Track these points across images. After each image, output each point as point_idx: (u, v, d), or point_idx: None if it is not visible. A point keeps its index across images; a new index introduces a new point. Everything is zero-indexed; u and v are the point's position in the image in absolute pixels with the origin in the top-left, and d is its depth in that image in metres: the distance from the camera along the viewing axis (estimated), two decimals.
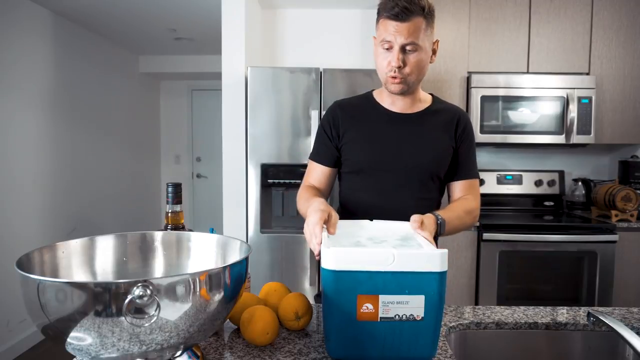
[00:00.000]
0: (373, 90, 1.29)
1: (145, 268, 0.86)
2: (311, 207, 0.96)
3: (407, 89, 1.15)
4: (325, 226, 0.91)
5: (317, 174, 1.28)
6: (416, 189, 1.19)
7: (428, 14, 1.10)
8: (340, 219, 1.13)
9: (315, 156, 1.29)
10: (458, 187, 1.24)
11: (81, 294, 0.56)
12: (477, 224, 2.48)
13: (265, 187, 2.51)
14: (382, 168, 1.19)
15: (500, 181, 2.97)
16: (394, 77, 1.11)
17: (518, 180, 2.97)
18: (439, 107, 1.24)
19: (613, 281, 2.44)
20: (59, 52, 3.25)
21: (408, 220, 0.99)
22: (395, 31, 1.07)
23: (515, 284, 2.49)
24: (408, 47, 1.09)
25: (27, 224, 2.94)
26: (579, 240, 2.42)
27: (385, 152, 1.19)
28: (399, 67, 1.09)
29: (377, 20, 1.13)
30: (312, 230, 0.89)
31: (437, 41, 1.18)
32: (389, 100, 1.22)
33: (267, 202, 2.55)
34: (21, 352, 2.83)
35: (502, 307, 1.07)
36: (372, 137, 1.21)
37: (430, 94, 1.28)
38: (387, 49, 1.10)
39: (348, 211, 1.25)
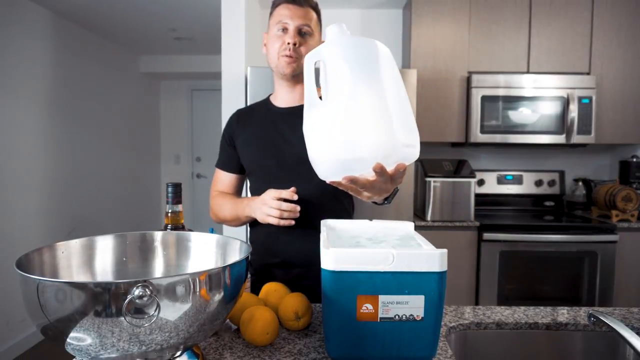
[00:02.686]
0: (271, 94, 1.30)
1: (145, 268, 0.86)
2: (258, 200, 1.09)
3: (299, 72, 1.16)
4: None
5: (224, 181, 1.31)
6: (315, 180, 0.95)
7: (317, 11, 1.19)
8: (252, 226, 1.21)
9: (220, 164, 1.31)
10: None
11: (81, 294, 0.56)
12: (477, 224, 2.48)
13: None
14: (275, 165, 1.18)
15: (500, 181, 2.97)
16: (288, 57, 1.13)
17: (518, 180, 2.97)
18: None
19: (613, 281, 2.44)
20: (59, 52, 3.25)
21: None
22: (292, 14, 1.13)
23: (515, 284, 2.49)
24: (303, 30, 1.14)
25: (27, 224, 2.93)
26: (579, 240, 2.42)
27: (272, 149, 1.18)
28: (295, 44, 1.12)
29: (272, 12, 1.19)
30: (271, 202, 1.03)
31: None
32: (280, 97, 1.23)
33: None
34: (21, 352, 2.83)
35: (502, 307, 1.07)
36: (260, 137, 1.21)
37: None
38: (283, 30, 1.14)
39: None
